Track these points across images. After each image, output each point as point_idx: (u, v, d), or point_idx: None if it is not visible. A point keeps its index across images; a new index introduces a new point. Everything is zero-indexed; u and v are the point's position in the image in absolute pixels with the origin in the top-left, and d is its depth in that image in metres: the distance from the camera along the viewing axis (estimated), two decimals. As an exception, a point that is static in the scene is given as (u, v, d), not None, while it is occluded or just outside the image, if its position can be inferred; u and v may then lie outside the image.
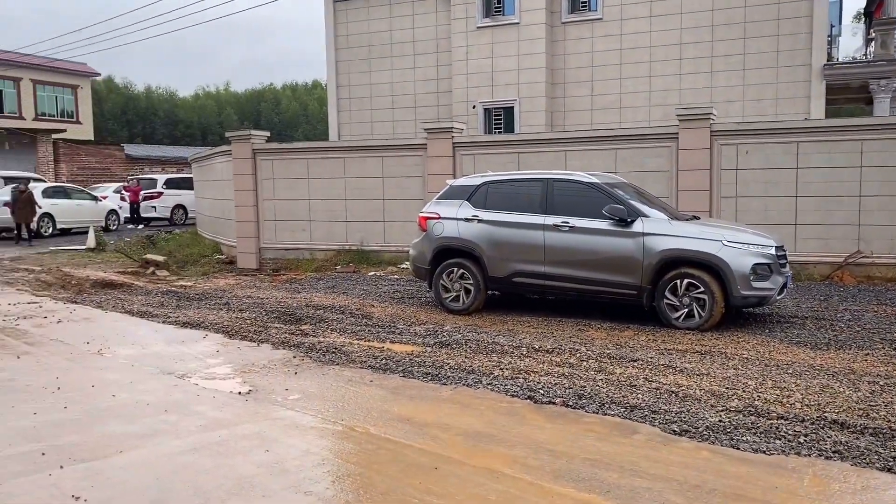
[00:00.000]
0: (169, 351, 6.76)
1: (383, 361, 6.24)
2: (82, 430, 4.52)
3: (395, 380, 5.69)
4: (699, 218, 8.73)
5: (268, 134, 15.05)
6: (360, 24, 22.26)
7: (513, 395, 5.20)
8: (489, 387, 5.45)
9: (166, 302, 9.72)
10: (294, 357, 6.45)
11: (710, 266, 7.39)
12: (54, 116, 38.78)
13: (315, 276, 12.23)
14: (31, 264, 13.77)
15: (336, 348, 6.78)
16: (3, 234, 19.69)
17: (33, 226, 18.82)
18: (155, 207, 24.79)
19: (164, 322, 8.25)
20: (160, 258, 13.30)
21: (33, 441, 4.30)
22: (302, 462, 3.97)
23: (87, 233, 17.48)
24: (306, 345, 6.98)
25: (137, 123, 62.72)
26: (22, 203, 17.65)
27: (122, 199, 24.95)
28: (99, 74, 44.23)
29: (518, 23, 18.99)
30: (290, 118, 71.25)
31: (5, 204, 18.84)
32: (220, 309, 9.08)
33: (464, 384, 5.53)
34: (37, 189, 20.88)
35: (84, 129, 39.39)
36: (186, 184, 25.81)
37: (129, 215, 24.53)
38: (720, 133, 11.04)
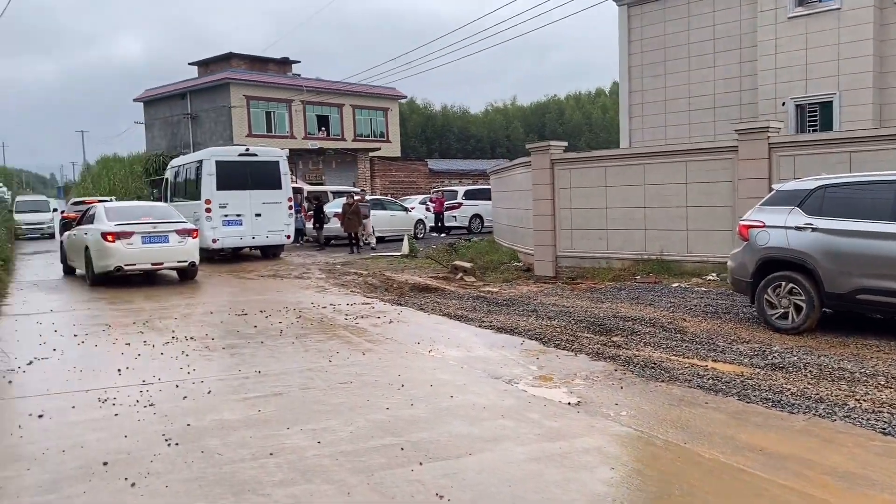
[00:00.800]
0: (492, 355, 7.03)
1: (711, 381, 5.83)
2: (431, 427, 4.83)
3: (733, 403, 5.26)
4: None
5: (565, 144, 15.17)
6: (655, 28, 21.58)
7: (885, 433, 4.49)
8: (847, 419, 4.78)
9: (478, 306, 10.20)
10: (615, 370, 6.31)
11: None
12: (369, 136, 43.53)
13: (615, 286, 12.00)
14: (358, 269, 15.47)
15: (655, 363, 6.51)
16: (332, 241, 22.39)
17: (366, 237, 20.96)
18: (455, 217, 26.50)
19: (479, 326, 8.64)
20: (467, 265, 14.08)
21: (391, 435, 4.69)
22: (659, 487, 3.80)
23: (400, 240, 19.22)
24: (622, 357, 6.80)
25: (435, 140, 67.84)
26: (350, 214, 19.87)
27: (428, 209, 27.06)
28: (406, 97, 48.71)
29: (839, 8, 16.92)
30: (573, 128, 71.86)
31: (335, 215, 21.45)
32: (528, 315, 9.28)
33: (814, 414, 4.93)
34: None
35: (392, 147, 43.65)
36: (483, 194, 27.21)
37: (433, 224, 26.50)
38: None
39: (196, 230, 14.35)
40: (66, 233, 16.26)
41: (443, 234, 25.82)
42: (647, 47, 21.88)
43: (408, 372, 6.38)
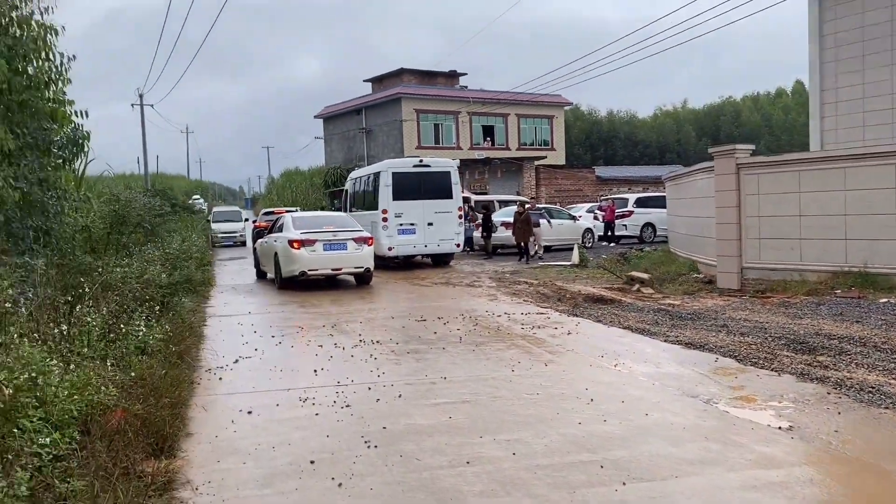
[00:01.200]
0: (683, 372, 6.65)
1: (949, 411, 5.13)
2: (628, 446, 4.62)
3: (984, 439, 4.58)
4: None
5: (752, 147, 14.22)
6: (853, 19, 19.68)
7: None
8: None
9: (660, 320, 9.75)
10: (828, 393, 5.73)
11: None
12: (533, 145, 43.48)
13: (811, 301, 11.02)
14: (528, 278, 15.39)
15: (873, 387, 5.84)
16: (499, 250, 22.47)
17: (536, 246, 20.79)
18: (626, 226, 25.67)
19: (665, 340, 8.24)
20: (645, 276, 13.57)
21: (586, 451, 4.53)
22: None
23: (568, 250, 18.91)
24: (832, 379, 6.18)
25: (600, 146, 66.47)
26: (520, 223, 19.86)
27: (596, 217, 26.43)
28: (571, 104, 48.19)
29: None
30: (751, 131, 67.54)
31: (503, 224, 21.54)
32: (718, 331, 8.73)
33: None
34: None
35: (557, 155, 43.28)
36: (654, 202, 26.16)
37: (602, 233, 25.82)
38: None
39: (371, 238, 15.05)
40: (259, 240, 17.53)
41: (612, 244, 25.08)
42: (841, 41, 20.01)
43: (595, 386, 6.17)
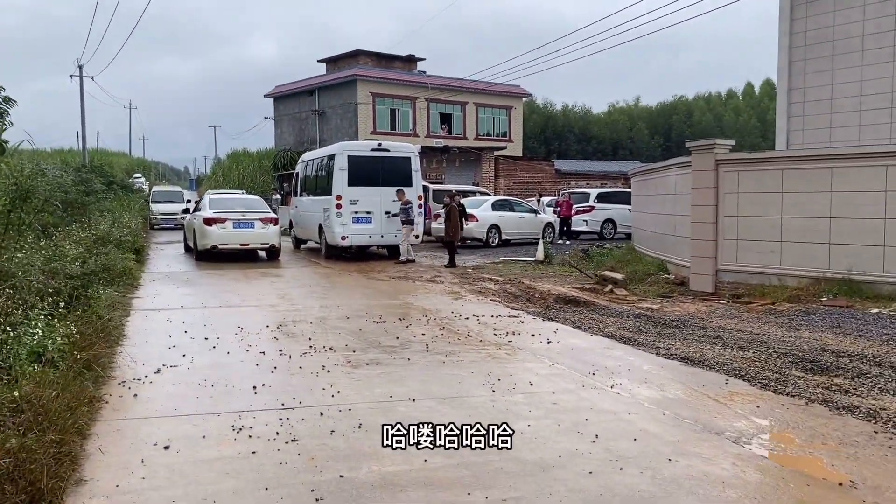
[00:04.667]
0: (695, 399, 5.65)
1: None
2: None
3: None
4: None
5: (732, 143, 13.44)
6: (824, 17, 19.16)
7: None
8: None
9: (643, 327, 8.82)
10: (876, 433, 4.80)
11: None
12: (491, 136, 42.48)
13: (798, 309, 10.27)
14: (492, 274, 14.34)
15: (917, 423, 4.96)
16: (468, 241, 21.18)
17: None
18: (586, 221, 24.85)
19: (658, 354, 7.27)
20: (618, 276, 12.66)
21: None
22: None
23: (529, 244, 17.91)
24: (863, 409, 5.30)
25: (554, 140, 66.09)
26: (455, 216, 17.58)
27: (555, 213, 25.53)
28: (530, 95, 47.37)
29: None
30: (702, 130, 68.03)
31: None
32: (712, 343, 7.82)
33: None
34: (487, 202, 22.44)
35: (515, 147, 42.39)
36: (616, 198, 25.44)
37: (559, 229, 24.89)
38: None
39: (276, 219, 17.31)
40: (187, 217, 19.53)
41: (568, 241, 24.11)
42: (811, 40, 19.47)
43: (596, 416, 5.12)
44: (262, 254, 17.41)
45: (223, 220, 16.30)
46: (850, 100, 18.67)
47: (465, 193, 21.72)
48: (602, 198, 25.41)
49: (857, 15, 18.53)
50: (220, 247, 16.22)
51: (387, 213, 17.09)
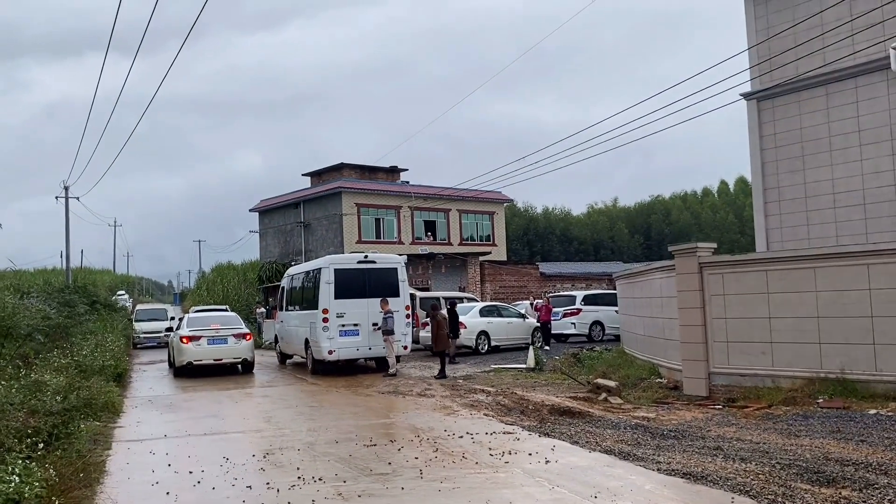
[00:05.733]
0: (701, 522, 5.44)
1: None
2: None
3: None
4: None
5: (714, 245, 13.63)
6: (790, 121, 19.97)
7: None
8: None
9: (641, 440, 8.61)
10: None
11: None
12: (475, 240, 42.99)
13: (795, 412, 10.12)
14: (483, 385, 14.09)
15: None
16: (464, 349, 20.88)
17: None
18: (574, 324, 24.74)
19: (659, 471, 7.05)
20: (611, 384, 12.48)
21: None
22: None
23: (519, 349, 17.69)
24: (879, 528, 5.11)
25: (537, 242, 66.97)
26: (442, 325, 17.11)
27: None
28: (512, 200, 48.31)
29: None
30: (681, 228, 69.43)
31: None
32: (713, 455, 7.62)
33: None
34: (475, 308, 22.38)
35: (499, 251, 42.83)
36: (602, 300, 25.47)
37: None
38: None
39: (249, 334, 18.47)
40: (170, 335, 20.59)
41: (546, 347, 23.01)
42: (781, 142, 20.23)
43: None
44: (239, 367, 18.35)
45: (198, 338, 17.44)
46: (825, 197, 19.18)
47: (452, 301, 21.50)
48: (588, 300, 25.43)
49: (822, 118, 19.35)
50: (195, 362, 17.26)
51: (374, 324, 16.96)
